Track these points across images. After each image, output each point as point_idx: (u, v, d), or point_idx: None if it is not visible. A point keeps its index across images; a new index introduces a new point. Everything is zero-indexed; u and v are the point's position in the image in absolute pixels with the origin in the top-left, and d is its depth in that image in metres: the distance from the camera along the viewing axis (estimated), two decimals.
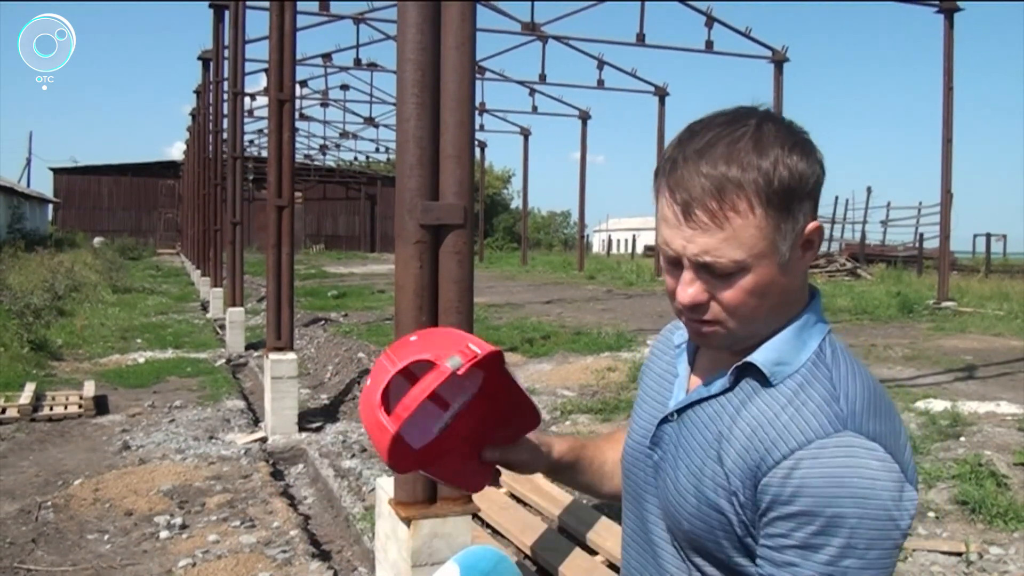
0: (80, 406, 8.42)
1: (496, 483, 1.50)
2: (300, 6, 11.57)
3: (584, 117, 32.51)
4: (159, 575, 4.65)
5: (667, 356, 1.41)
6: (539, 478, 5.85)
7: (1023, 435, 6.97)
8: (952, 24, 17.31)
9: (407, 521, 3.23)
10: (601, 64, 24.20)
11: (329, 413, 8.56)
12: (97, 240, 47.69)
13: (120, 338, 14.04)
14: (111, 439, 7.51)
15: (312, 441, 7.48)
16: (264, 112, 29.71)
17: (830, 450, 1.07)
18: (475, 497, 3.46)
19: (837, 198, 41.87)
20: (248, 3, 14.85)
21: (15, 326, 12.05)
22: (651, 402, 1.37)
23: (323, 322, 15.68)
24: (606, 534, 4.61)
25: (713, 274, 1.15)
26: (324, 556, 5.07)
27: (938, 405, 8.00)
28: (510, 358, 11.22)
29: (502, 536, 4.98)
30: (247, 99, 25.23)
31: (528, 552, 4.70)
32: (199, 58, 21.15)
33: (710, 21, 19.71)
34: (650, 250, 38.76)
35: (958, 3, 17.20)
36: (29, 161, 62.26)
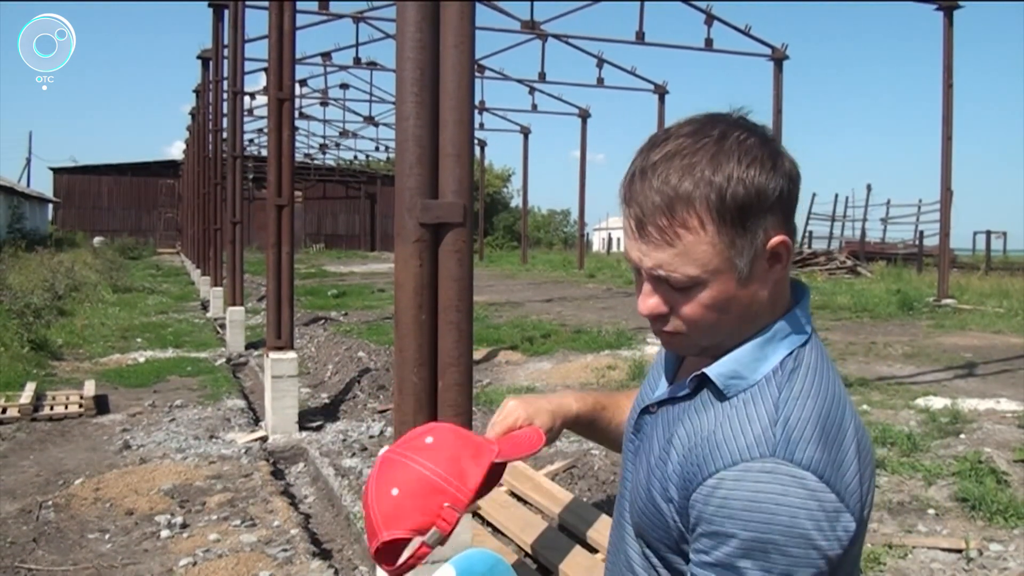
0: (80, 406, 8.42)
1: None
2: (299, 5, 11.56)
3: (584, 115, 32.50)
4: (160, 574, 4.66)
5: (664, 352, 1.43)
6: (539, 477, 5.86)
7: (1023, 432, 6.97)
8: (952, 21, 17.30)
9: None
10: (601, 62, 24.17)
11: (329, 412, 8.57)
12: (97, 240, 47.68)
13: (120, 338, 14.04)
14: (112, 439, 7.51)
15: (312, 440, 7.49)
16: (264, 111, 29.65)
17: (753, 474, 1.06)
18: None
19: (837, 196, 41.97)
20: (247, 2, 14.85)
21: (15, 326, 12.05)
22: (646, 390, 1.39)
23: (323, 321, 15.68)
24: (607, 532, 4.60)
25: (670, 288, 1.15)
26: (325, 555, 5.07)
27: (938, 402, 8.01)
28: (510, 356, 11.24)
29: (502, 534, 4.98)
30: (247, 98, 25.23)
31: (528, 550, 4.70)
32: (198, 57, 21.12)
33: (710, 19, 19.68)
34: None
35: (958, 1, 17.19)
36: (29, 161, 62.41)
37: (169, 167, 58.01)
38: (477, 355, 10.81)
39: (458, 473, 1.31)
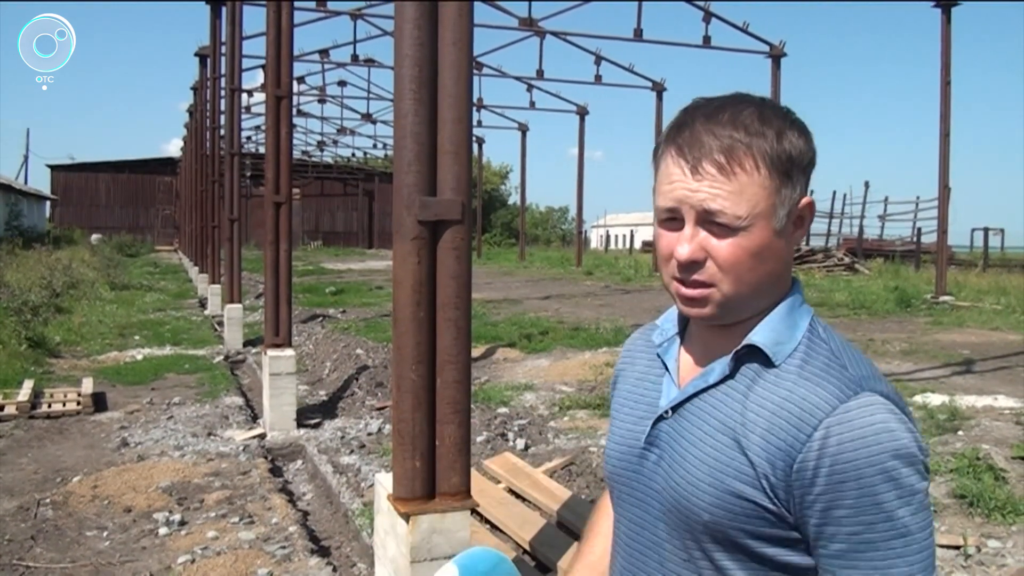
0: (78, 403, 8.41)
1: None
2: (297, 3, 11.56)
3: (582, 113, 32.50)
4: (158, 572, 4.65)
5: (646, 357, 1.41)
6: (538, 474, 5.86)
7: (1021, 429, 6.98)
8: (950, 19, 17.31)
9: (406, 517, 3.23)
10: (599, 60, 24.17)
11: (327, 409, 8.56)
12: (95, 237, 47.61)
13: (118, 335, 14.03)
14: (109, 436, 7.51)
15: (310, 437, 7.48)
16: (261, 108, 29.68)
17: (854, 412, 1.10)
18: (474, 493, 3.47)
19: (835, 193, 41.92)
20: (245, 0, 14.83)
21: (13, 323, 12.04)
22: (634, 404, 1.37)
23: (321, 318, 15.67)
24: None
25: (713, 228, 1.17)
26: (323, 552, 5.07)
27: (936, 399, 8.01)
28: (508, 353, 11.25)
29: (501, 531, 4.98)
30: (244, 95, 25.18)
31: (526, 547, 4.70)
32: (196, 55, 21.12)
33: (708, 16, 19.69)
34: (648, 245, 38.78)
35: None
36: (27, 158, 62.14)
37: (167, 164, 57.99)
38: (475, 352, 10.82)
39: None
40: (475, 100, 28.48)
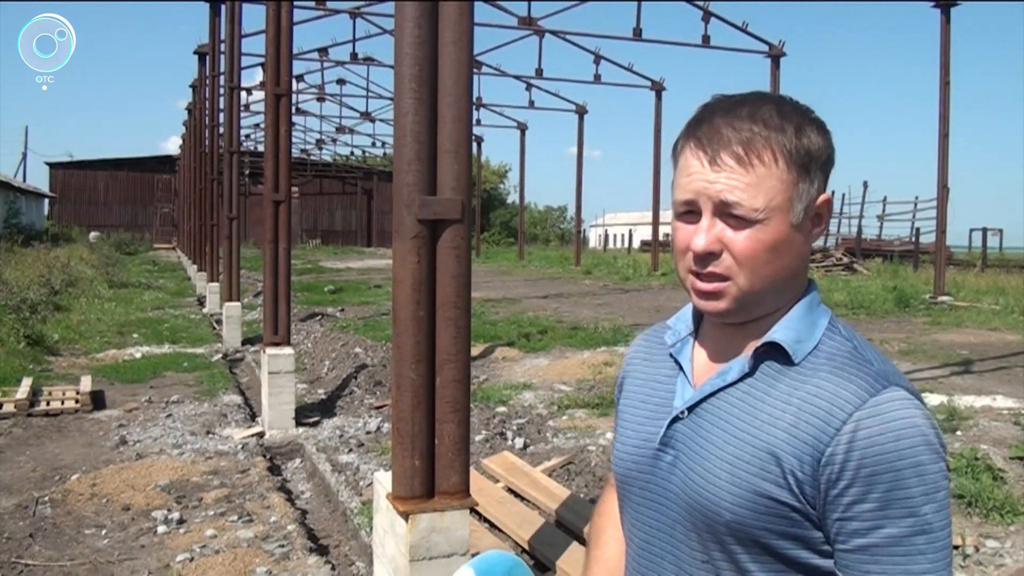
0: (77, 401, 8.41)
1: None
2: (297, 1, 11.55)
3: (581, 112, 32.48)
4: (157, 570, 4.65)
5: (656, 358, 1.39)
6: (536, 473, 5.86)
7: (1019, 429, 6.99)
8: (949, 19, 17.31)
9: (405, 515, 3.23)
10: (598, 59, 24.16)
11: (326, 408, 8.56)
12: (93, 235, 47.60)
13: (117, 333, 14.03)
14: (108, 434, 7.51)
15: (309, 436, 7.48)
16: (260, 107, 29.73)
17: (884, 406, 1.11)
18: (473, 492, 3.47)
19: (833, 192, 41.63)
20: None
21: (11, 321, 12.03)
22: (645, 406, 1.35)
23: (320, 317, 15.67)
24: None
25: (730, 220, 1.17)
26: (322, 550, 5.07)
27: (934, 399, 8.02)
28: (507, 352, 11.25)
29: (500, 531, 4.99)
30: (244, 93, 25.18)
31: (525, 546, 4.71)
32: (195, 52, 21.09)
33: (707, 16, 19.68)
34: (647, 245, 38.77)
35: None
36: (25, 156, 62.30)
37: (165, 162, 57.94)
38: (474, 351, 10.81)
39: None
40: (474, 99, 28.47)
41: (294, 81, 19.05)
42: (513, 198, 70.54)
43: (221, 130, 16.33)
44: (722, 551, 1.20)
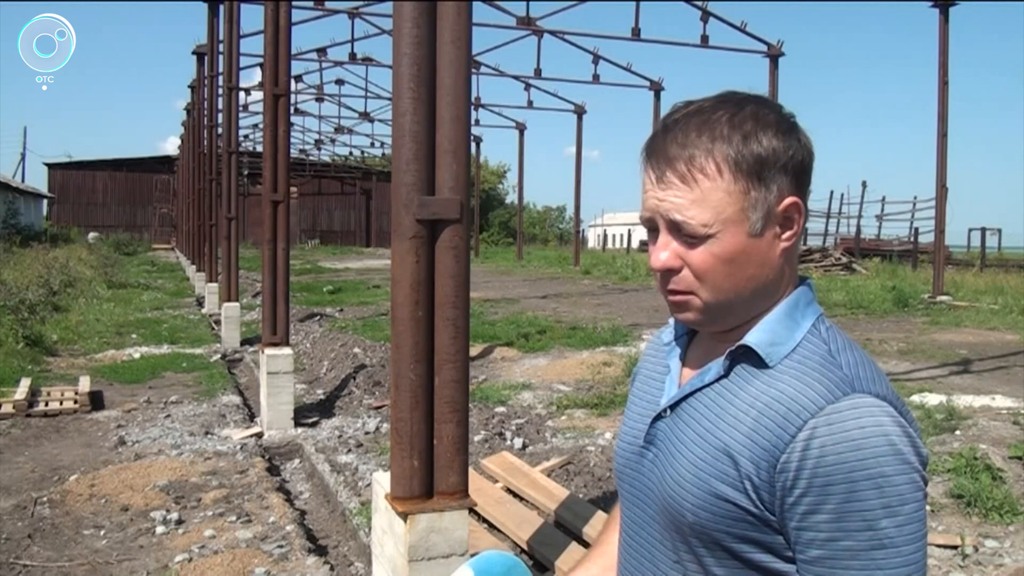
0: (75, 401, 8.40)
1: None
2: (295, 1, 11.54)
3: (579, 112, 32.47)
4: (155, 570, 4.65)
5: (657, 357, 1.41)
6: (535, 474, 5.86)
7: (1018, 429, 6.99)
8: (947, 18, 17.32)
9: (404, 516, 3.23)
10: (596, 59, 24.15)
11: (325, 408, 8.56)
12: (92, 235, 47.59)
13: (115, 334, 14.02)
14: (107, 435, 7.50)
15: (308, 436, 7.48)
16: (259, 107, 29.70)
17: (843, 413, 1.07)
18: (472, 492, 3.47)
19: (832, 192, 41.92)
20: None
21: (10, 322, 12.02)
22: (641, 403, 1.37)
23: (319, 317, 15.66)
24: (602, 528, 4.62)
25: (684, 237, 1.17)
26: (320, 551, 5.06)
27: (933, 399, 8.02)
28: (506, 352, 11.25)
29: (499, 531, 4.98)
30: (242, 94, 25.17)
31: (524, 546, 4.70)
32: (194, 53, 21.08)
33: (705, 16, 19.68)
34: (645, 245, 38.68)
35: None
36: (24, 156, 62.45)
37: (164, 163, 57.94)
38: (473, 351, 10.81)
39: None
40: (472, 99, 28.44)
41: (293, 81, 19.06)
42: (512, 198, 70.61)
43: (220, 130, 16.33)
44: (689, 552, 1.20)
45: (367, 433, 7.50)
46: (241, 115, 20.06)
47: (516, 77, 28.18)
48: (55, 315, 15.17)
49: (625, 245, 53.59)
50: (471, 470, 4.24)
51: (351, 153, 55.04)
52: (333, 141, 48.57)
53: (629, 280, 25.45)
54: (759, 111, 1.18)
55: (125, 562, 4.77)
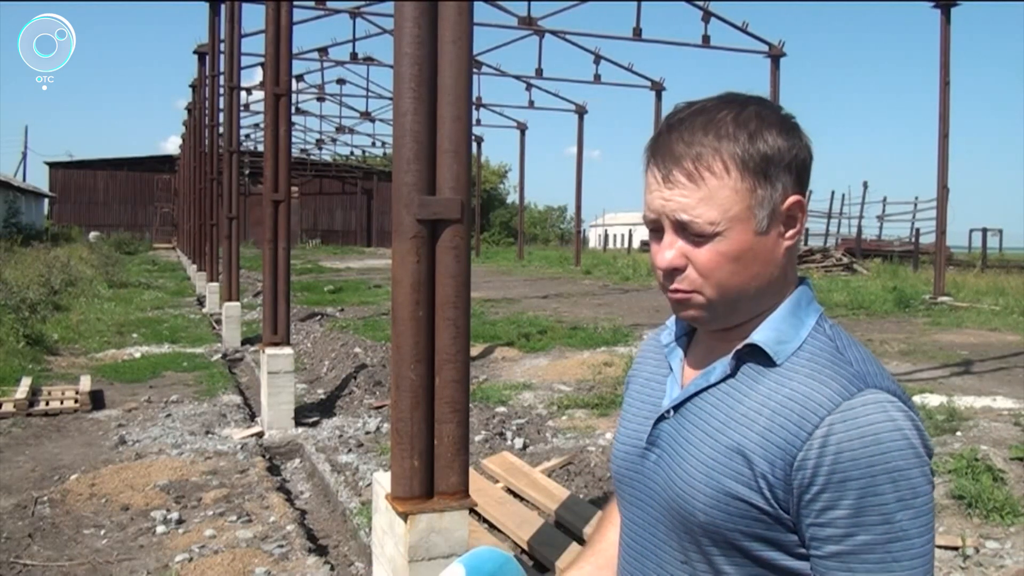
0: (76, 401, 8.40)
1: None
2: (296, 1, 11.54)
3: (581, 112, 32.47)
4: (156, 570, 4.65)
5: (655, 358, 1.40)
6: (536, 474, 5.86)
7: (1019, 430, 6.98)
8: (949, 19, 17.31)
9: (404, 516, 3.23)
10: (598, 59, 24.16)
11: (325, 408, 8.56)
12: (93, 234, 47.59)
13: (116, 333, 14.02)
14: (107, 434, 7.50)
15: (308, 436, 7.48)
16: (260, 106, 29.69)
17: (858, 409, 1.08)
18: (472, 492, 3.46)
19: (833, 193, 41.95)
20: None
21: (11, 321, 12.03)
22: (641, 404, 1.36)
23: (319, 317, 15.66)
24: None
25: (690, 236, 1.17)
26: (321, 551, 5.06)
27: (934, 400, 8.01)
28: (507, 352, 11.24)
29: (499, 531, 4.98)
30: (243, 93, 25.18)
31: (525, 546, 4.70)
32: (195, 52, 21.10)
33: (707, 16, 19.68)
34: (646, 245, 38.78)
35: None
36: (25, 155, 62.46)
37: (165, 162, 57.96)
38: (473, 351, 10.81)
39: None
40: (474, 99, 28.45)
41: (294, 81, 19.07)
42: (513, 198, 70.59)
43: (221, 130, 16.33)
44: (699, 552, 1.20)
45: (368, 433, 7.50)
46: (242, 114, 20.09)
47: (517, 77, 28.21)
48: (56, 314, 15.17)
49: (626, 245, 53.59)
50: (471, 470, 4.23)
51: (352, 153, 55.05)
52: (334, 141, 48.58)
53: (630, 280, 25.45)
54: (762, 111, 1.19)
55: (125, 561, 4.77)
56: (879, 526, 1.06)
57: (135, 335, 13.82)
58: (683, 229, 1.17)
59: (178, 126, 55.36)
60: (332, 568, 4.73)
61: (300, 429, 7.68)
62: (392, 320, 3.37)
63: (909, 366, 10.26)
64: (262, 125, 12.75)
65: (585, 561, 1.53)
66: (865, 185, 41.38)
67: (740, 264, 1.17)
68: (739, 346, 1.21)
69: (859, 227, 38.67)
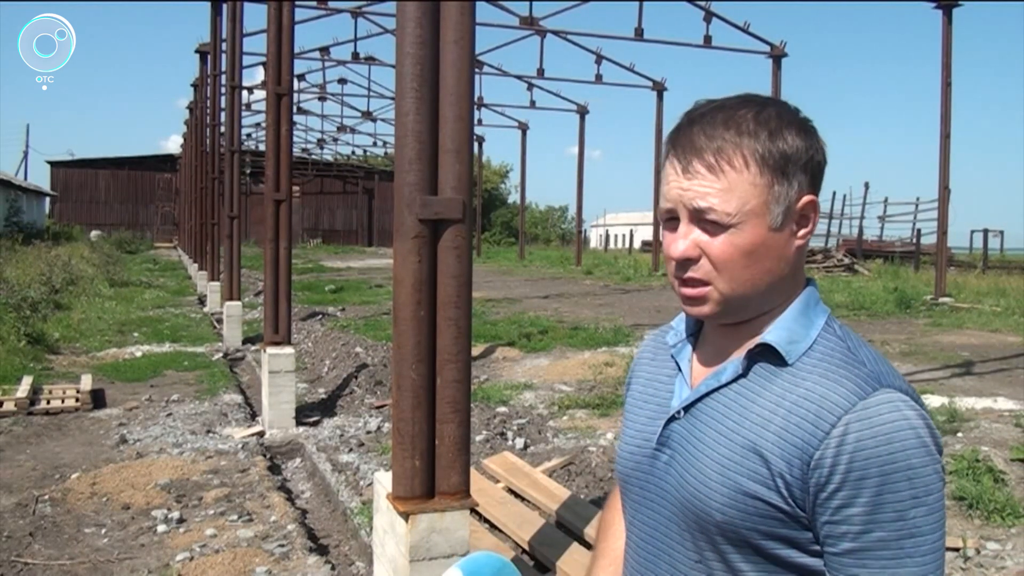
0: (77, 400, 8.41)
1: None
2: (298, 0, 11.54)
3: (582, 112, 32.48)
4: (156, 569, 4.65)
5: (660, 358, 1.40)
6: (537, 474, 5.86)
7: (1020, 431, 6.98)
8: (951, 20, 17.30)
9: (405, 516, 3.23)
10: (599, 59, 24.16)
11: (326, 407, 8.56)
12: (94, 233, 47.61)
13: (117, 332, 14.02)
14: (108, 433, 7.50)
15: (309, 435, 7.48)
16: (262, 106, 29.66)
17: (874, 408, 1.10)
18: (473, 492, 3.46)
19: (835, 193, 41.90)
20: None
21: (12, 319, 12.03)
22: (647, 405, 1.36)
23: (320, 316, 15.67)
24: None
25: (706, 226, 1.18)
26: (322, 550, 5.06)
27: (935, 401, 8.01)
28: (508, 352, 11.24)
29: (500, 531, 4.98)
30: (245, 93, 25.20)
31: (526, 547, 4.70)
32: (197, 51, 21.10)
33: (708, 16, 19.68)
34: (647, 245, 38.80)
35: None
36: (26, 154, 62.32)
37: (166, 161, 57.98)
38: (474, 351, 10.80)
39: None
40: (476, 99, 28.44)
41: (295, 80, 19.06)
42: (514, 198, 70.57)
43: (222, 129, 16.32)
44: (714, 551, 1.20)
45: (368, 432, 7.50)
46: (244, 114, 20.10)
47: (519, 77, 28.23)
48: (57, 313, 15.17)
49: (627, 245, 53.57)
50: (472, 470, 4.24)
51: (354, 152, 55.08)
52: (336, 140, 48.57)
53: (631, 280, 25.44)
54: (782, 111, 1.21)
55: (126, 560, 4.77)
56: (894, 523, 1.07)
57: (136, 334, 13.82)
58: (699, 219, 1.19)
59: (179, 125, 55.42)
60: (333, 568, 4.73)
61: (301, 428, 7.68)
62: (393, 320, 3.37)
63: (910, 367, 10.26)
64: (263, 124, 12.80)
65: (602, 571, 1.52)
66: (866, 185, 41.35)
67: (753, 258, 1.18)
68: (751, 346, 1.22)
69: (860, 228, 38.65)
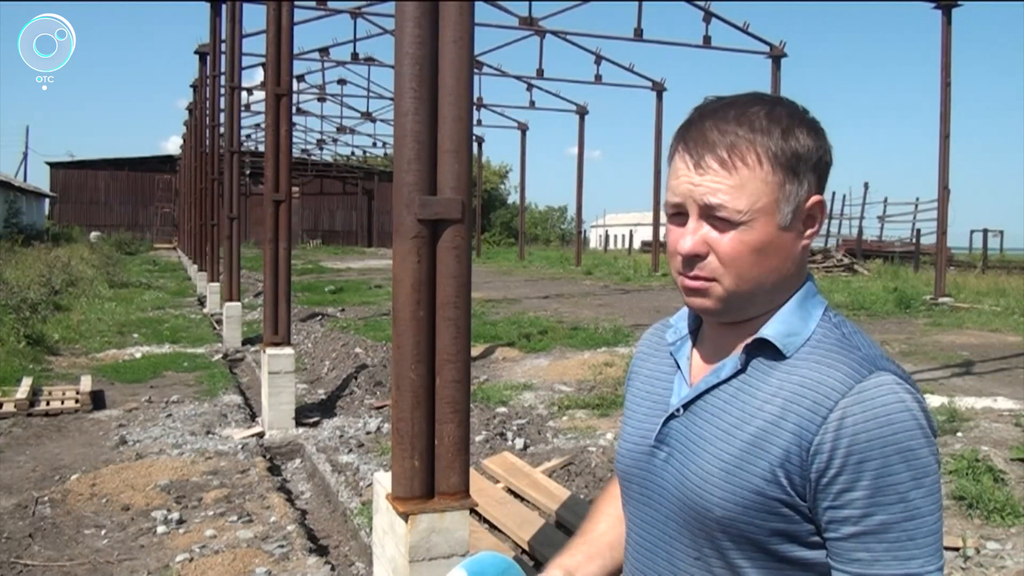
0: (77, 401, 8.40)
1: None
2: (297, 1, 11.55)
3: (581, 112, 32.48)
4: (156, 570, 4.65)
5: (659, 355, 1.40)
6: (537, 474, 5.86)
7: (1020, 431, 6.98)
8: (950, 20, 17.29)
9: (405, 516, 3.23)
10: (599, 59, 24.15)
11: (326, 408, 8.56)
12: (94, 235, 47.59)
13: (117, 333, 14.02)
14: (108, 434, 7.50)
15: (309, 436, 7.48)
16: (261, 107, 29.72)
17: (871, 391, 1.11)
18: (473, 492, 3.46)
19: (834, 193, 41.90)
20: None
21: (12, 321, 12.03)
22: (647, 403, 1.36)
23: (320, 317, 15.67)
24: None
25: (715, 222, 1.18)
26: (321, 551, 5.06)
27: (935, 401, 8.01)
28: (507, 353, 11.24)
29: (499, 531, 4.98)
30: (244, 93, 25.18)
31: (525, 547, 4.70)
32: (196, 52, 21.09)
33: (708, 16, 19.68)
34: (647, 245, 38.78)
35: None
36: (26, 155, 62.33)
37: (166, 162, 57.96)
38: (474, 352, 10.80)
39: None
40: (475, 99, 28.44)
41: (295, 81, 19.05)
42: (514, 198, 70.53)
43: (222, 130, 16.32)
44: (713, 548, 1.21)
45: (368, 433, 7.50)
46: (243, 115, 20.09)
47: (518, 77, 28.22)
48: (57, 314, 15.17)
49: (627, 246, 53.57)
50: (472, 470, 4.24)
51: (353, 153, 55.07)
52: (335, 141, 48.58)
53: (631, 281, 25.44)
54: (792, 111, 1.22)
55: (126, 561, 4.77)
56: (895, 505, 1.08)
57: (136, 335, 13.82)
58: (709, 215, 1.18)
59: (179, 126, 55.42)
60: (333, 568, 4.73)
61: (301, 429, 7.68)
62: (393, 320, 3.37)
63: (910, 367, 10.26)
64: (263, 125, 12.76)
65: (576, 550, 1.53)
66: (866, 186, 41.36)
67: (761, 256, 1.18)
68: (748, 341, 1.22)
69: (860, 228, 38.65)
